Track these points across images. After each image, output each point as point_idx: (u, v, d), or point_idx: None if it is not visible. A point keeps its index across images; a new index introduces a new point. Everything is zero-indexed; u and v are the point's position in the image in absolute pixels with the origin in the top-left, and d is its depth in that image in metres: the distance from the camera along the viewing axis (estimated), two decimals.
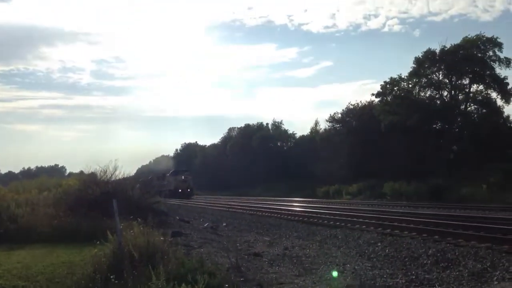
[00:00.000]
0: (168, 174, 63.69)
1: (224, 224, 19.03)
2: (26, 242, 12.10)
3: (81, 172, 24.07)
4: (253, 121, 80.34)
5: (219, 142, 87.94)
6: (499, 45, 38.99)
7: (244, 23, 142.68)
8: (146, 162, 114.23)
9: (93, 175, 18.55)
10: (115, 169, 17.94)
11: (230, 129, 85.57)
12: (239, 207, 29.43)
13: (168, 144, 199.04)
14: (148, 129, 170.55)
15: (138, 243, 7.78)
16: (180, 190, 56.67)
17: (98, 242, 7.96)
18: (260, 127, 76.82)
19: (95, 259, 7.52)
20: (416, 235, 12.59)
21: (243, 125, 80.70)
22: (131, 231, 8.44)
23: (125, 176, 19.40)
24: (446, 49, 40.42)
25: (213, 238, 14.40)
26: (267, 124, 77.14)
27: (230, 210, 27.64)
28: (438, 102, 42.14)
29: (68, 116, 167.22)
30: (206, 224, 18.82)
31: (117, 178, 18.30)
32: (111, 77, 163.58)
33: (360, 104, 52.70)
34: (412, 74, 42.53)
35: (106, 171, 17.73)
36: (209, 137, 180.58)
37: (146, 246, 7.81)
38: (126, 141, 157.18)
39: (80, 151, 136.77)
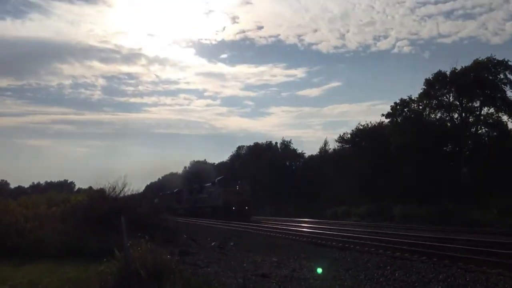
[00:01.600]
0: (210, 184, 47.95)
1: (232, 244, 18.88)
2: (34, 257, 12.10)
3: (90, 188, 24.16)
4: (262, 140, 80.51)
5: (227, 160, 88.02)
6: (510, 68, 38.88)
7: (254, 43, 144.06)
8: (154, 179, 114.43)
9: (101, 191, 18.59)
10: (124, 185, 18.00)
11: (239, 148, 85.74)
12: (246, 226, 29.28)
13: (176, 161, 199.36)
14: (157, 146, 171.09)
15: (145, 261, 7.74)
16: (233, 208, 40.29)
17: (105, 259, 7.92)
18: (269, 146, 76.84)
19: (102, 277, 7.49)
20: (426, 259, 12.40)
21: (252, 144, 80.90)
22: (139, 249, 8.41)
23: (134, 192, 19.45)
24: (456, 71, 40.40)
25: (220, 258, 14.28)
26: (276, 143, 77.22)
27: (238, 230, 27.48)
28: (449, 124, 41.93)
29: (79, 131, 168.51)
30: (213, 243, 18.69)
31: (126, 194, 18.35)
32: (123, 93, 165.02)
33: (370, 125, 52.65)
34: (422, 96, 42.47)
35: (115, 187, 17.79)
36: (218, 155, 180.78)
37: (153, 264, 7.76)
38: (135, 157, 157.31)
39: (89, 167, 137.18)
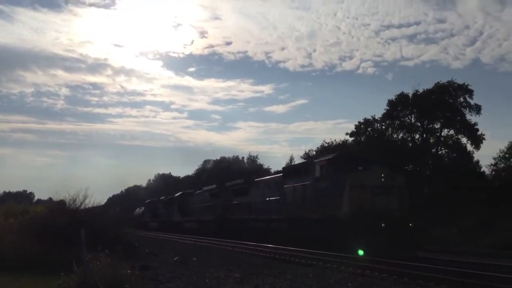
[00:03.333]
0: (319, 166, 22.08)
1: (194, 259, 18.72)
2: None
3: (50, 199, 23.53)
4: (228, 154, 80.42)
5: (193, 174, 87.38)
6: (470, 92, 40.39)
7: (222, 58, 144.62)
8: (117, 191, 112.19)
9: (62, 202, 18.16)
10: (85, 197, 17.62)
11: (206, 161, 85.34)
12: (209, 241, 29.05)
13: (140, 174, 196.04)
14: (121, 158, 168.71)
15: (104, 276, 7.61)
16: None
17: (62, 273, 7.74)
18: (236, 161, 76.89)
19: None
20: (386, 277, 12.64)
21: (218, 158, 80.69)
22: (98, 263, 8.25)
23: (95, 205, 19.06)
24: (418, 93, 41.67)
25: (182, 273, 14.13)
26: (243, 157, 77.34)
27: (199, 244, 27.26)
28: (410, 145, 43.07)
29: (40, 141, 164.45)
30: (175, 258, 18.48)
31: (87, 206, 17.95)
32: (87, 103, 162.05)
33: (334, 143, 53.45)
34: (385, 116, 43.51)
35: (76, 199, 17.40)
36: (184, 168, 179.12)
37: (112, 278, 7.64)
38: (97, 169, 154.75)
39: (50, 177, 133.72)
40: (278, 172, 35.43)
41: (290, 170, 26.28)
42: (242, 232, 29.68)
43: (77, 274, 7.53)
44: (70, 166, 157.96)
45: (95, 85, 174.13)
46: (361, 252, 17.02)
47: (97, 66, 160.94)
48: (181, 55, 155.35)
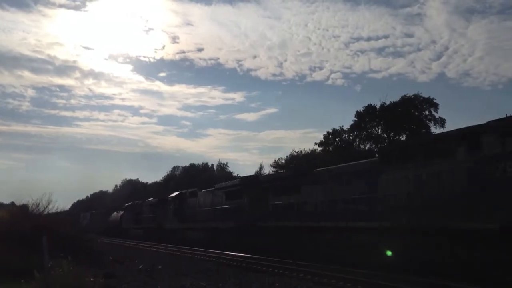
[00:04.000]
0: None
1: (160, 267, 18.54)
2: None
3: (12, 203, 22.91)
4: (198, 161, 79.87)
5: (161, 180, 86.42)
6: (435, 106, 41.56)
7: (193, 64, 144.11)
8: (82, 197, 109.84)
9: (24, 207, 17.74)
10: (49, 202, 17.29)
11: (174, 168, 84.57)
12: (176, 250, 28.80)
13: (107, 179, 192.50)
14: (87, 162, 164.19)
15: (66, 283, 7.50)
16: None
17: (22, 280, 7.58)
18: (205, 168, 76.45)
19: None
20: (351, 286, 12.83)
21: (187, 165, 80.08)
22: (60, 270, 8.12)
23: (59, 210, 18.70)
24: (385, 105, 42.63)
25: (147, 281, 13.99)
26: (212, 165, 76.97)
27: (167, 252, 27.01)
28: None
29: (4, 143, 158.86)
30: (141, 266, 18.26)
31: (50, 212, 17.60)
32: (53, 106, 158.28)
33: (303, 152, 53.98)
34: (353, 127, 44.34)
35: (39, 204, 17.06)
36: (152, 174, 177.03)
37: (75, 287, 7.53)
38: (63, 173, 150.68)
39: (13, 181, 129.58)
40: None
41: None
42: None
43: (38, 281, 7.39)
44: (34, 169, 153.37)
45: (62, 88, 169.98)
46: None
47: (65, 68, 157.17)
48: (152, 60, 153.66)
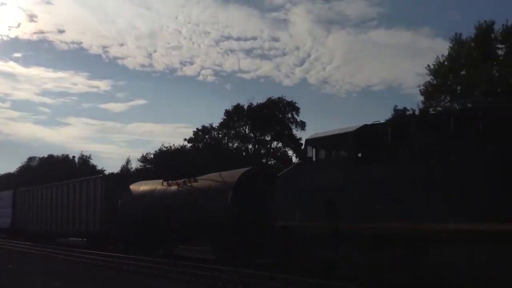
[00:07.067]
0: None
1: (10, 266, 17.51)
2: None
3: None
4: (58, 152, 74.85)
5: (15, 171, 79.38)
6: (297, 109, 44.92)
7: (54, 46, 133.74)
8: None
9: None
10: None
11: (30, 159, 78.27)
12: (29, 247, 27.14)
13: None
14: None
15: None
16: None
17: None
18: (65, 160, 72.07)
19: None
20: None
21: (46, 155, 74.69)
22: None
23: None
24: (253, 106, 44.77)
25: None
26: (73, 157, 72.80)
27: (20, 251, 25.35)
28: (244, 154, 45.90)
29: None
30: None
31: None
32: None
33: (173, 147, 53.86)
34: (222, 125, 45.78)
35: None
36: (4, 165, 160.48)
37: None
38: None
39: None
40: None
41: None
42: None
43: None
44: None
45: None
46: None
47: None
48: (5, 38, 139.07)
